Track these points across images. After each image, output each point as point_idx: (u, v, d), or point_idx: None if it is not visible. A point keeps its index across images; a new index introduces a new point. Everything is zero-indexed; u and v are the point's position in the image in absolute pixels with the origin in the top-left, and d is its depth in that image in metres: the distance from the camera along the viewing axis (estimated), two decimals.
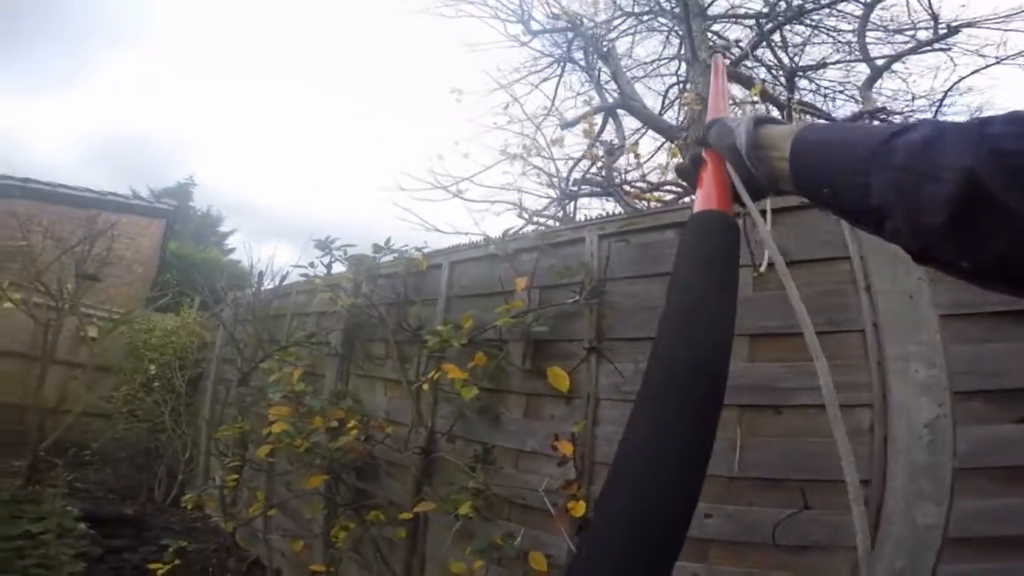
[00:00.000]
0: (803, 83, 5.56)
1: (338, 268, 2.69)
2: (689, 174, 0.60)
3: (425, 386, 2.04)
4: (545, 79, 5.83)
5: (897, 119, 4.34)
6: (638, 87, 5.79)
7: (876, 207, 0.39)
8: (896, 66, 4.95)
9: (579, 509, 1.56)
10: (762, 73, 5.45)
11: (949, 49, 4.51)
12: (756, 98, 4.01)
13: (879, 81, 4.86)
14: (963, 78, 4.44)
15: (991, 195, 0.32)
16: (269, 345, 2.96)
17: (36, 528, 2.48)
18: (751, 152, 0.52)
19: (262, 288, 3.53)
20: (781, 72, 5.47)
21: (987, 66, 4.29)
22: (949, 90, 4.51)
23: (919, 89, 4.99)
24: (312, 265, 2.66)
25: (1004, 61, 4.17)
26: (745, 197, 0.54)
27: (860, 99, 4.77)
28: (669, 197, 4.07)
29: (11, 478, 3.44)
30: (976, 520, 1.17)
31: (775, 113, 4.38)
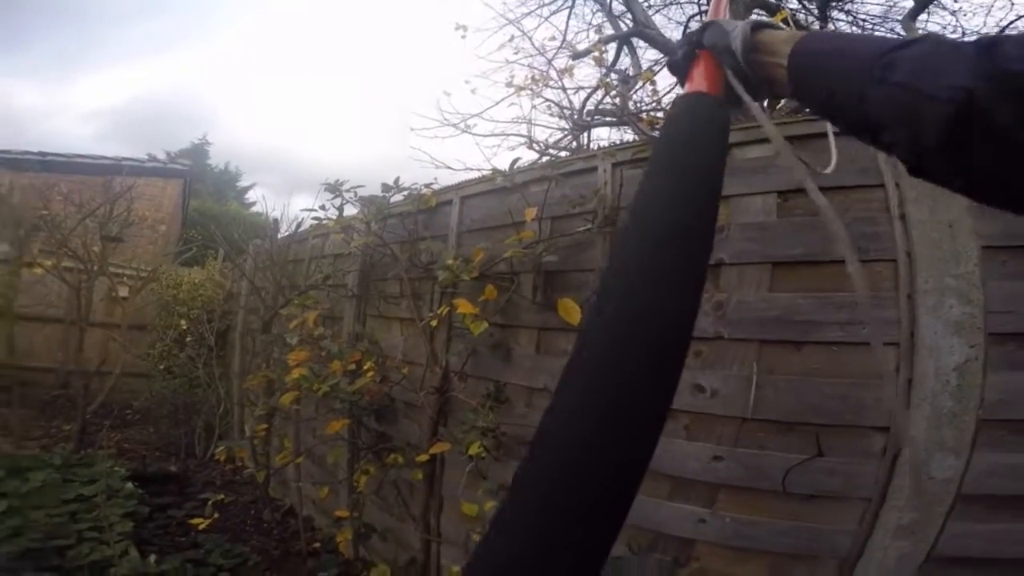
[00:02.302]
0: (838, 14, 5.01)
1: (350, 211, 2.67)
2: (681, 70, 0.57)
3: (434, 322, 2.03)
4: (555, 11, 5.46)
5: None
6: (657, 19, 5.35)
7: (873, 120, 0.39)
8: None
9: None
10: (793, 3, 4.94)
11: None
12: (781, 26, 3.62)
13: (925, 14, 4.34)
14: (1021, 17, 3.94)
15: (988, 117, 0.32)
16: (289, 291, 2.99)
17: (88, 491, 2.57)
18: (747, 56, 0.51)
19: (279, 235, 3.53)
20: (813, 1, 4.94)
21: None
22: (1004, 29, 4.00)
23: (971, 25, 4.46)
24: (324, 208, 2.64)
25: None
26: (743, 94, 0.52)
27: (903, 34, 4.28)
28: None
29: (63, 442, 3.58)
30: (992, 476, 1.12)
31: None
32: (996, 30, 4.07)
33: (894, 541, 1.18)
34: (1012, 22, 3.96)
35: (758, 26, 0.51)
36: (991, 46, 0.33)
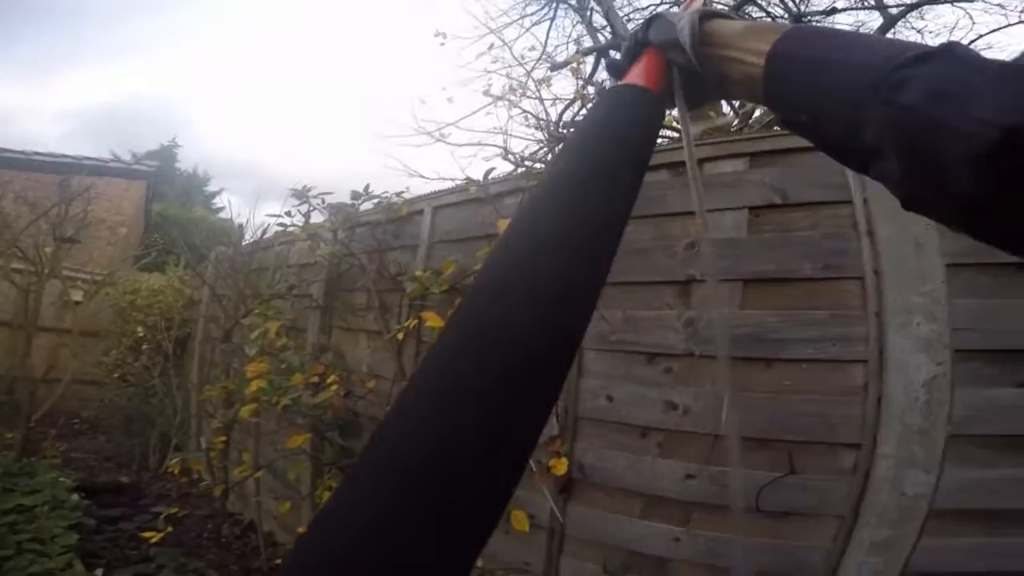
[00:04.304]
0: None
1: (317, 218, 2.59)
2: (619, 70, 0.51)
3: (401, 335, 1.97)
4: (536, 22, 5.52)
5: None
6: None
7: (868, 147, 0.33)
8: (911, 17, 4.61)
9: (561, 467, 1.51)
10: (766, 20, 5.11)
11: (972, 0, 4.20)
12: None
13: (892, 32, 4.53)
14: (982, 35, 4.14)
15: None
16: (252, 300, 2.88)
17: (29, 501, 2.45)
18: (697, 49, 0.44)
19: (243, 242, 3.42)
20: (787, 17, 5.11)
21: (1009, 24, 3.97)
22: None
23: (934, 43, 4.68)
24: (289, 215, 2.56)
25: None
26: (677, 95, 0.47)
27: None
28: (664, 141, 3.88)
29: (4, 451, 3.40)
30: (964, 491, 1.12)
31: None
32: None
33: (868, 557, 1.17)
34: (972, 42, 4.16)
35: (708, 15, 0.45)
36: None
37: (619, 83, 0.48)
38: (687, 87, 0.48)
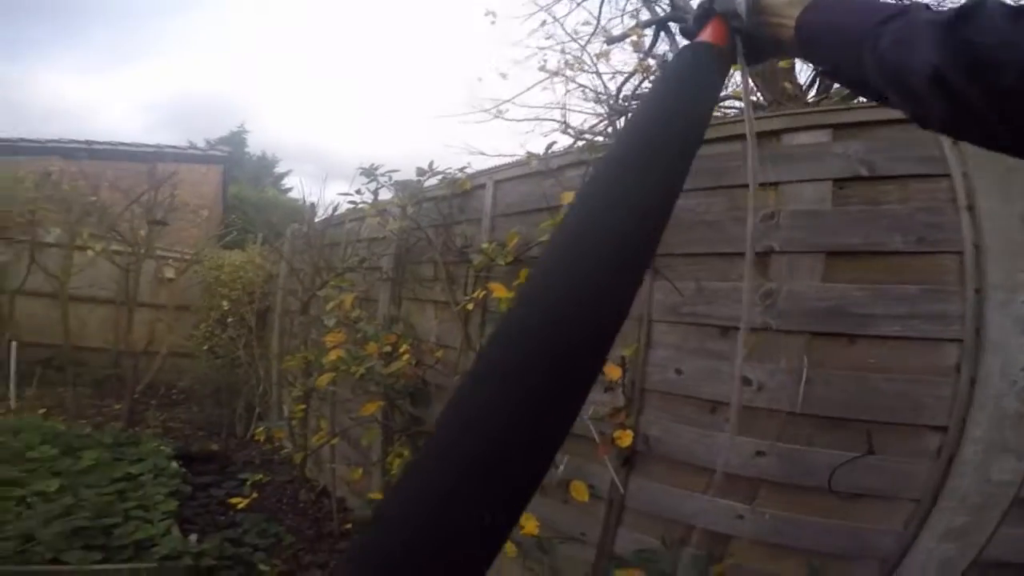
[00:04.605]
0: None
1: (385, 195, 2.69)
2: (692, 35, 0.62)
3: (470, 306, 2.02)
4: None
5: None
6: (695, 3, 5.16)
7: (873, 86, 0.44)
8: None
9: (626, 439, 1.51)
10: None
11: None
12: None
13: None
14: None
15: (958, 90, 0.35)
16: (326, 273, 3.04)
17: (135, 470, 2.66)
18: (752, 18, 0.55)
19: (315, 219, 3.59)
20: None
21: None
22: None
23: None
24: (359, 192, 2.66)
25: None
26: (739, 55, 0.58)
27: None
28: (732, 112, 3.70)
29: (112, 421, 3.74)
30: None
31: None
32: None
33: (941, 544, 1.13)
34: None
35: None
36: (963, 17, 0.35)
37: (695, 41, 0.59)
38: (747, 48, 0.58)
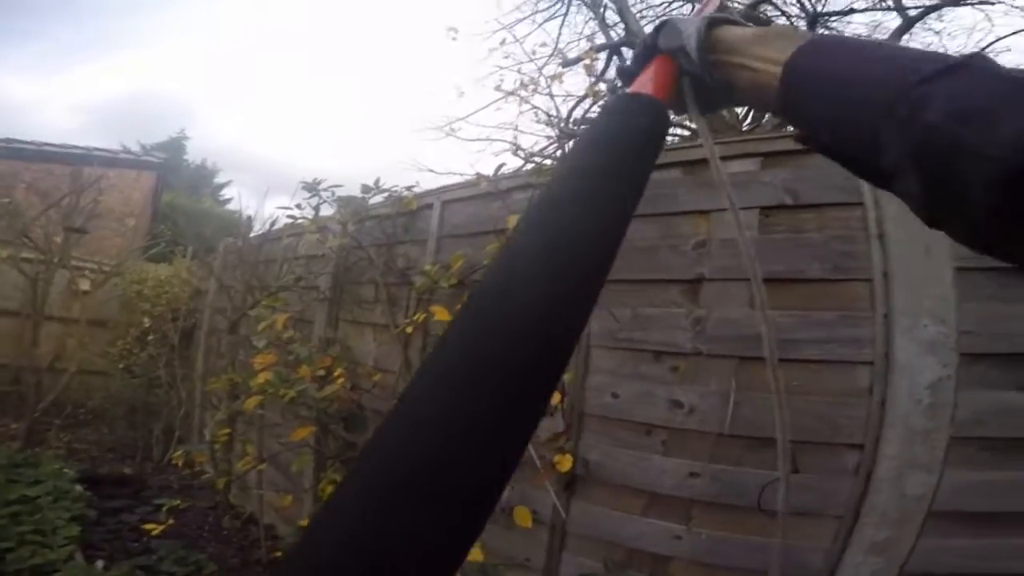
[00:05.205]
0: (825, 31, 5.19)
1: (327, 211, 2.61)
2: (629, 75, 0.51)
3: (409, 329, 1.97)
4: (548, 18, 5.54)
5: None
6: (649, 29, 5.44)
7: (887, 168, 0.31)
8: (930, 19, 4.60)
9: (566, 463, 1.52)
10: (782, 20, 5.09)
11: (992, 4, 4.19)
12: None
13: (909, 34, 4.51)
14: (1001, 38, 4.13)
15: None
16: (259, 291, 2.89)
17: (32, 492, 2.46)
18: (704, 56, 0.45)
19: (252, 233, 3.43)
20: (803, 17, 5.09)
21: None
22: (984, 48, 4.20)
23: (952, 46, 4.65)
24: (299, 207, 2.57)
25: None
26: (689, 102, 0.48)
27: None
28: (675, 139, 3.88)
29: (8, 441, 3.42)
30: (963, 493, 1.13)
31: None
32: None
33: (867, 557, 1.18)
34: (990, 44, 4.15)
35: (716, 22, 0.46)
36: None
37: (626, 91, 0.48)
38: (698, 93, 0.48)
